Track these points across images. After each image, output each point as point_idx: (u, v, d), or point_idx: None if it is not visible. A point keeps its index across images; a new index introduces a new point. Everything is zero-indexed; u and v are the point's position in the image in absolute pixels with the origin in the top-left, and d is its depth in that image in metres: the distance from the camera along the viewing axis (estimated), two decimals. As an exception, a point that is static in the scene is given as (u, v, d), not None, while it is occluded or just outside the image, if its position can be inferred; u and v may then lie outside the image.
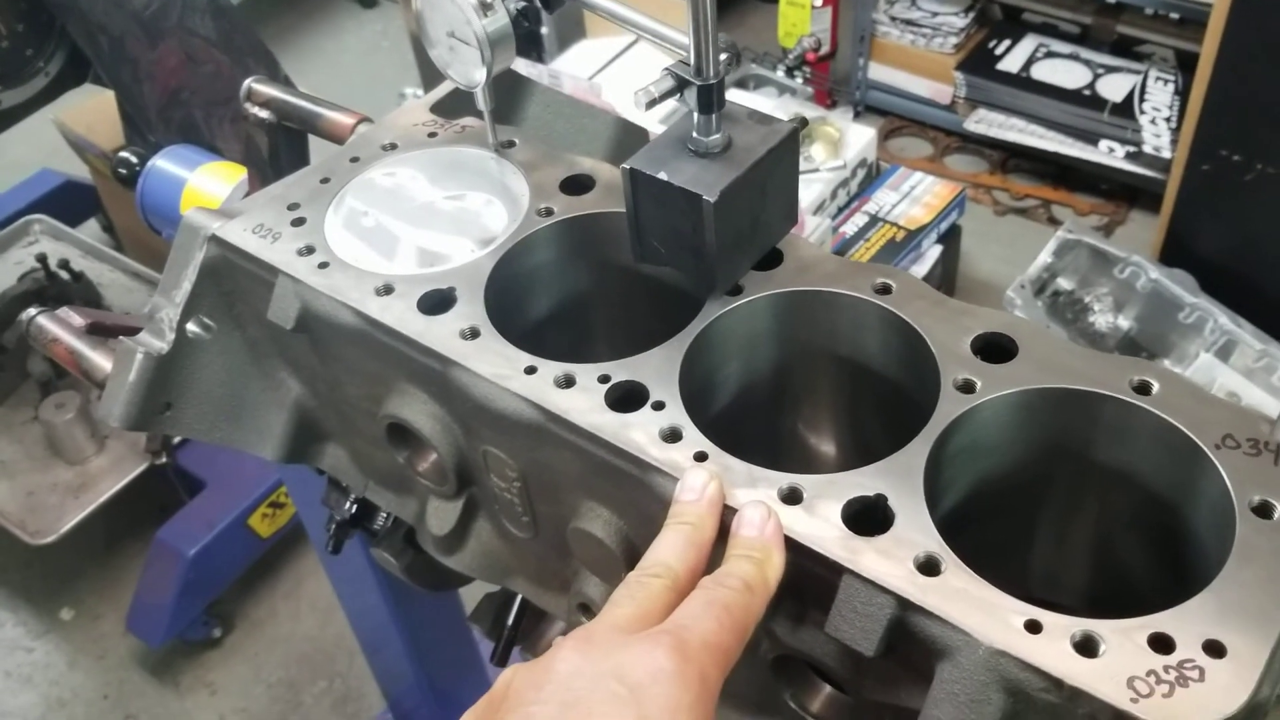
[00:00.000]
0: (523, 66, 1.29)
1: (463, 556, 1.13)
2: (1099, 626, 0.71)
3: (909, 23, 4.30)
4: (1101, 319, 3.34)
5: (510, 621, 1.35)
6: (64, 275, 3.21)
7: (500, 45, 1.06)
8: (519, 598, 1.36)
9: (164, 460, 2.97)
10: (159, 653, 3.06)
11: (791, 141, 0.99)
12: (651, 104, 0.94)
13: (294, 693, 2.99)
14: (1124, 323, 3.32)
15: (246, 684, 3.02)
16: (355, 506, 1.37)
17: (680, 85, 0.95)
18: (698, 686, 0.68)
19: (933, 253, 3.53)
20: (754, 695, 0.95)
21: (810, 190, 3.46)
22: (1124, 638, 0.71)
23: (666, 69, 0.95)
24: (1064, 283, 3.40)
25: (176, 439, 2.99)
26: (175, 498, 3.02)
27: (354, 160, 1.19)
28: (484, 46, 1.05)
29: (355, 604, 2.20)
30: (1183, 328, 3.23)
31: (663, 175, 0.94)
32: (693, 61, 0.93)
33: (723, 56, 0.94)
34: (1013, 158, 4.28)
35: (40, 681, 3.06)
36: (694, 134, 0.96)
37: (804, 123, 1.04)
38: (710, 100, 0.94)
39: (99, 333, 1.26)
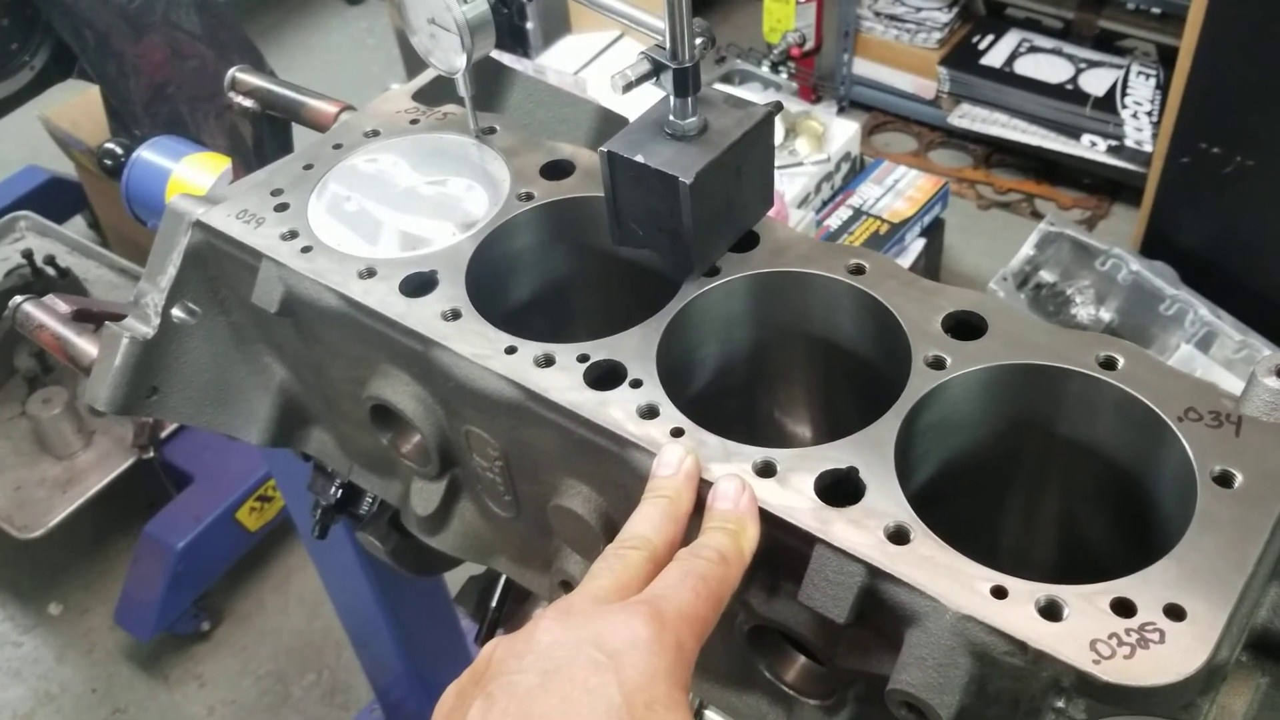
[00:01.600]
0: (507, 61, 1.31)
1: (446, 536, 1.15)
2: (1063, 591, 0.73)
3: (893, 18, 4.32)
4: (1083, 311, 3.37)
5: (494, 603, 1.36)
6: (50, 271, 3.21)
7: (480, 31, 1.07)
8: (502, 579, 1.38)
9: (151, 454, 2.98)
10: (148, 646, 3.06)
11: (766, 125, 1.00)
12: (628, 87, 0.96)
13: (283, 685, 3.00)
14: (1105, 315, 3.35)
15: (235, 676, 3.03)
16: (340, 491, 1.39)
17: (657, 69, 0.96)
18: (674, 653, 0.70)
19: (916, 246, 3.56)
20: (731, 668, 0.97)
21: (794, 184, 3.48)
22: (1087, 602, 0.72)
23: (643, 52, 0.96)
24: (1046, 275, 3.43)
25: (164, 433, 3.00)
26: (163, 492, 3.02)
27: (337, 147, 1.20)
28: (464, 33, 1.06)
29: (343, 595, 2.21)
30: (1163, 319, 3.26)
31: (640, 158, 0.96)
32: (668, 45, 0.95)
33: (698, 41, 0.96)
34: (996, 152, 4.30)
35: (29, 675, 3.06)
36: (670, 117, 0.97)
37: (779, 107, 1.05)
38: (686, 83, 0.96)
39: (85, 319, 1.27)
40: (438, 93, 1.28)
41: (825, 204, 3.61)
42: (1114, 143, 3.94)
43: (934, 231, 3.66)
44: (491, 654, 0.72)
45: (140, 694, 3.01)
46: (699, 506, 0.83)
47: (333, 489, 1.39)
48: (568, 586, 1.05)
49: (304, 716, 2.94)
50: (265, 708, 2.96)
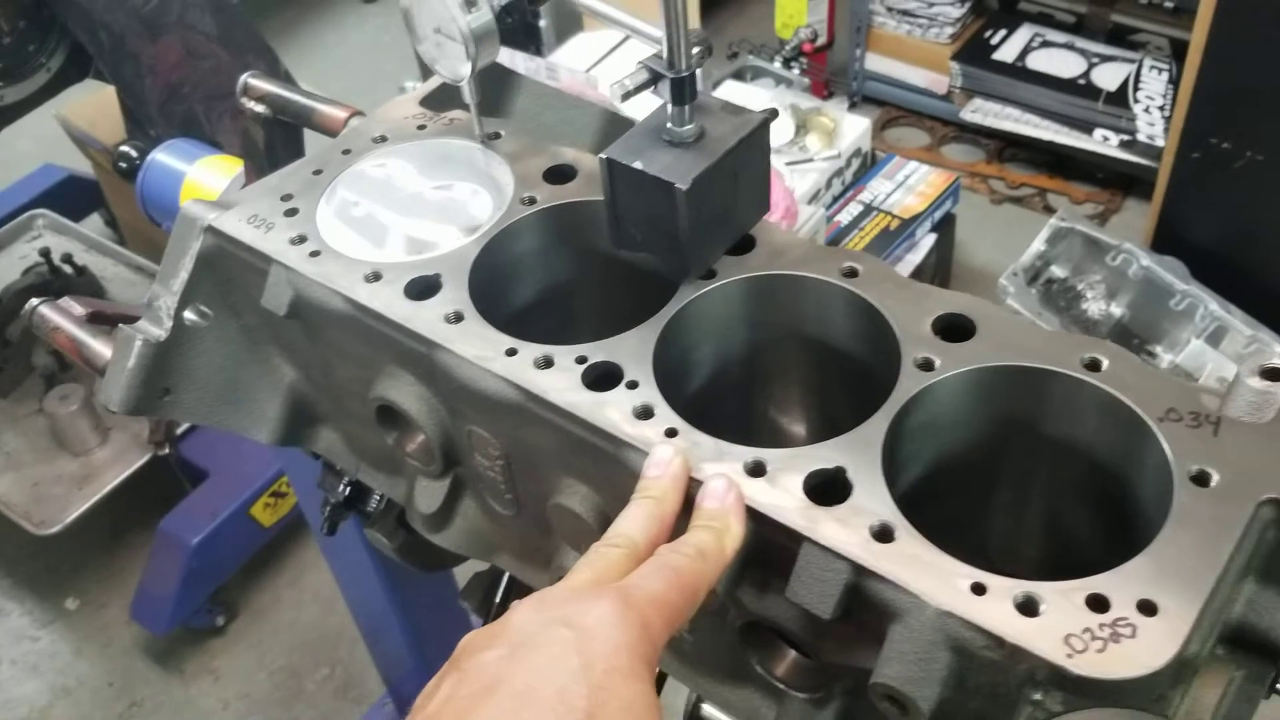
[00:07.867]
0: (520, 60, 1.33)
1: (450, 534, 1.18)
2: (1040, 588, 0.75)
3: (905, 13, 4.33)
4: (1094, 306, 3.37)
5: (499, 598, 1.39)
6: (67, 269, 3.25)
7: (484, 41, 1.10)
8: (507, 575, 1.41)
9: (167, 451, 3.02)
10: (163, 640, 3.10)
11: (763, 131, 1.03)
12: (627, 96, 0.98)
13: (296, 679, 3.04)
14: (1116, 310, 3.36)
15: (250, 671, 3.07)
16: (349, 489, 1.42)
17: (655, 78, 0.98)
18: (638, 630, 0.72)
19: (927, 241, 3.57)
20: (725, 663, 1.00)
21: (805, 180, 3.49)
22: (1063, 598, 0.75)
23: (641, 62, 0.99)
24: (1057, 270, 3.44)
25: (179, 430, 3.03)
26: (178, 488, 3.05)
27: (346, 152, 1.23)
28: (468, 42, 1.09)
29: (354, 590, 2.24)
30: (1174, 314, 3.26)
31: (638, 164, 0.98)
32: (666, 55, 0.97)
33: (695, 50, 0.98)
34: (1009, 147, 4.31)
35: (46, 670, 3.11)
36: (668, 124, 1.00)
37: (774, 114, 1.07)
38: (683, 92, 0.98)
39: (100, 321, 1.30)
40: (445, 99, 1.30)
41: (836, 200, 3.62)
42: (1126, 137, 3.94)
43: (945, 227, 3.67)
44: (468, 641, 0.76)
45: (156, 688, 3.05)
46: (689, 504, 0.85)
47: (341, 487, 1.41)
48: (568, 582, 1.08)
49: (317, 710, 2.97)
50: (279, 701, 3.00)
